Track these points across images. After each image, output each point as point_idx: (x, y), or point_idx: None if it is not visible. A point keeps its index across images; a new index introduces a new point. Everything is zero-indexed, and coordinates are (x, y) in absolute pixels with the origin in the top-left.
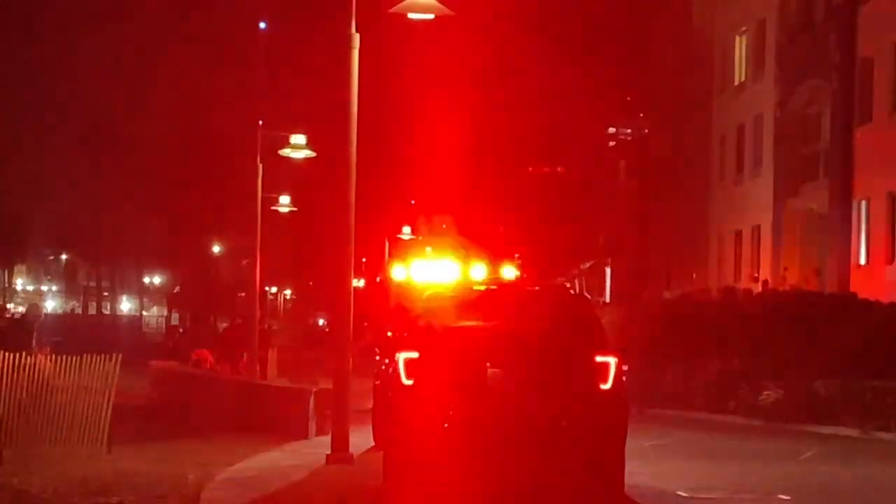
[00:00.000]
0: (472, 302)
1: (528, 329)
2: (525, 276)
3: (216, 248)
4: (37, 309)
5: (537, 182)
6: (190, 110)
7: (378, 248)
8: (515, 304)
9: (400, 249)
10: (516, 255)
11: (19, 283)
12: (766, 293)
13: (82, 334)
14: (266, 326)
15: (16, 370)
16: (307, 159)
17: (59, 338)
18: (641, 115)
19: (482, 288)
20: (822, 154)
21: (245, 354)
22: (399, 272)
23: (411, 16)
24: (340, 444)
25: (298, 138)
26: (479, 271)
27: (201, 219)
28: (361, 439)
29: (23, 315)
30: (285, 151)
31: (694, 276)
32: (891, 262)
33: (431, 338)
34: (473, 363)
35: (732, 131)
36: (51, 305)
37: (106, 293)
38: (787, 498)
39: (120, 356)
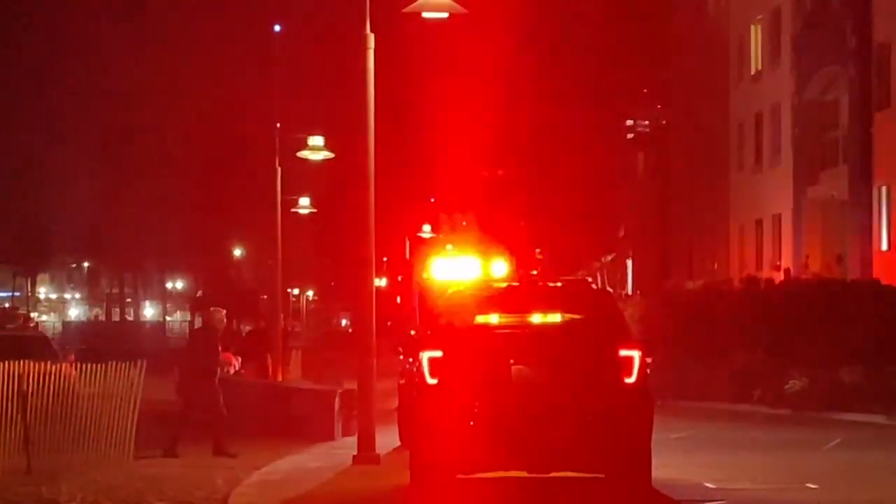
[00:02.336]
0: (495, 299)
1: (552, 325)
2: (546, 270)
3: (238, 251)
4: (219, 314)
5: (556, 176)
6: (208, 115)
7: (399, 247)
8: (538, 299)
9: (421, 248)
10: (537, 251)
11: (42, 291)
12: (788, 282)
13: (106, 341)
14: (262, 326)
15: (41, 379)
16: (326, 160)
17: (83, 345)
18: (659, 106)
19: (504, 284)
20: (841, 140)
21: (270, 357)
22: (420, 271)
23: (426, 15)
24: (366, 444)
25: (316, 140)
26: (500, 268)
27: (222, 222)
28: (388, 439)
29: (203, 322)
30: (303, 153)
31: (716, 266)
32: None
33: (455, 336)
34: (497, 360)
35: (750, 120)
36: (74, 313)
37: (129, 299)
38: (815, 486)
39: (144, 362)
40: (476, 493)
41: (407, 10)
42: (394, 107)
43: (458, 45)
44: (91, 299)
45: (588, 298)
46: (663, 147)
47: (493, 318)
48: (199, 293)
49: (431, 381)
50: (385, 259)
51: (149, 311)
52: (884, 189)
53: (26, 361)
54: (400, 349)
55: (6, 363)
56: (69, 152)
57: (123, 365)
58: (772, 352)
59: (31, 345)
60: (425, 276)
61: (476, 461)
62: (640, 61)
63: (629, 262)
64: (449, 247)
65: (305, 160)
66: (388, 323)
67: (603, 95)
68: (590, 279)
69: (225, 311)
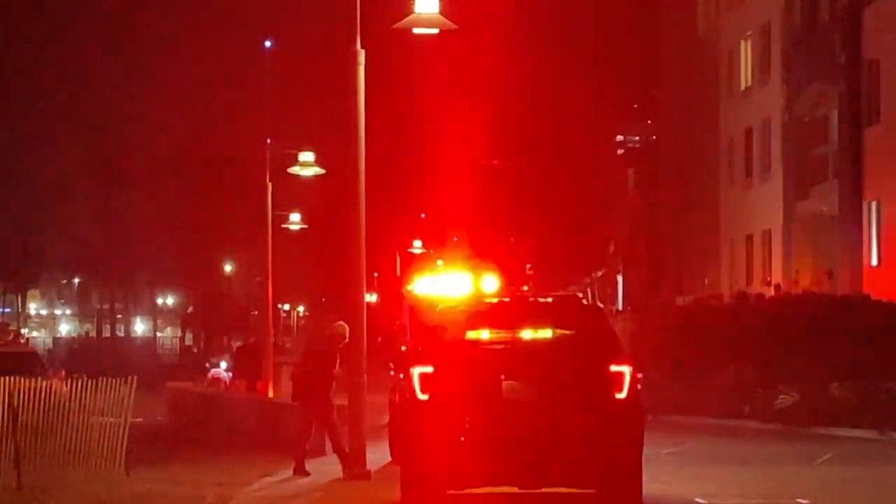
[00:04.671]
0: (485, 314)
1: (542, 340)
2: (537, 286)
3: (228, 267)
4: (343, 328)
5: (546, 192)
6: (199, 130)
7: (390, 263)
8: (528, 315)
9: (411, 263)
10: (528, 266)
11: (33, 307)
12: (778, 297)
13: (97, 357)
14: (251, 341)
15: (31, 395)
16: (316, 176)
17: (74, 361)
18: (649, 122)
19: (495, 300)
20: (831, 156)
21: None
22: (411, 286)
23: (416, 30)
24: (357, 460)
25: (307, 155)
26: (491, 283)
27: (213, 238)
28: (378, 455)
29: (326, 334)
30: (294, 169)
31: (706, 281)
32: None
33: (445, 352)
34: (488, 376)
35: (740, 136)
36: (65, 329)
37: (119, 315)
38: (806, 502)
39: (135, 378)
40: None
41: (397, 25)
42: (384, 122)
43: (449, 61)
44: (82, 315)
45: (579, 314)
46: (653, 162)
47: (484, 334)
48: (190, 309)
49: (422, 396)
50: (376, 275)
51: (139, 327)
52: (874, 204)
53: (16, 377)
54: (391, 364)
55: None
56: (60, 168)
57: (114, 380)
58: (762, 367)
59: (21, 361)
60: (416, 291)
61: (467, 476)
62: (630, 77)
63: (620, 278)
64: (439, 262)
65: (296, 176)
66: (379, 339)
67: (593, 111)
68: (580, 295)
69: (347, 328)
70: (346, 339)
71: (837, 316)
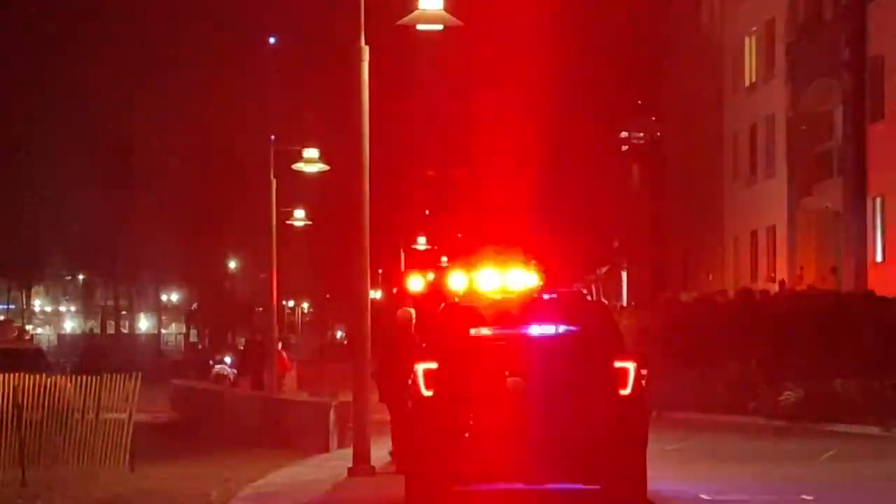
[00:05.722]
0: (490, 310)
1: (547, 336)
2: (541, 282)
3: (233, 264)
4: (407, 314)
5: (551, 188)
6: (203, 127)
7: (394, 259)
8: (533, 311)
9: (415, 259)
10: (532, 263)
11: (37, 304)
12: (782, 293)
13: (102, 354)
14: (256, 338)
15: (36, 391)
16: (321, 172)
17: (76, 358)
18: (653, 118)
19: (499, 296)
20: (835, 152)
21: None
22: (415, 283)
23: (420, 27)
24: (362, 456)
25: (311, 152)
26: (494, 280)
27: (217, 235)
28: (383, 451)
29: (395, 324)
30: (298, 166)
31: (710, 277)
32: None
33: (450, 348)
34: (492, 372)
35: (745, 132)
36: (69, 326)
37: (124, 312)
38: (811, 498)
39: (139, 375)
40: None
41: (401, 22)
42: (388, 118)
43: (453, 58)
44: (86, 312)
45: (583, 310)
46: (658, 159)
47: (488, 330)
48: (195, 306)
49: (427, 392)
50: (380, 271)
51: (144, 324)
52: (878, 200)
53: (22, 374)
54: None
55: (2, 376)
56: (64, 165)
57: (119, 377)
58: (767, 363)
59: (26, 358)
60: (420, 287)
61: (471, 473)
62: (635, 73)
63: (624, 274)
64: (443, 258)
65: (300, 172)
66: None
67: (597, 107)
68: (585, 291)
69: (413, 312)
70: (414, 323)
71: (842, 312)
